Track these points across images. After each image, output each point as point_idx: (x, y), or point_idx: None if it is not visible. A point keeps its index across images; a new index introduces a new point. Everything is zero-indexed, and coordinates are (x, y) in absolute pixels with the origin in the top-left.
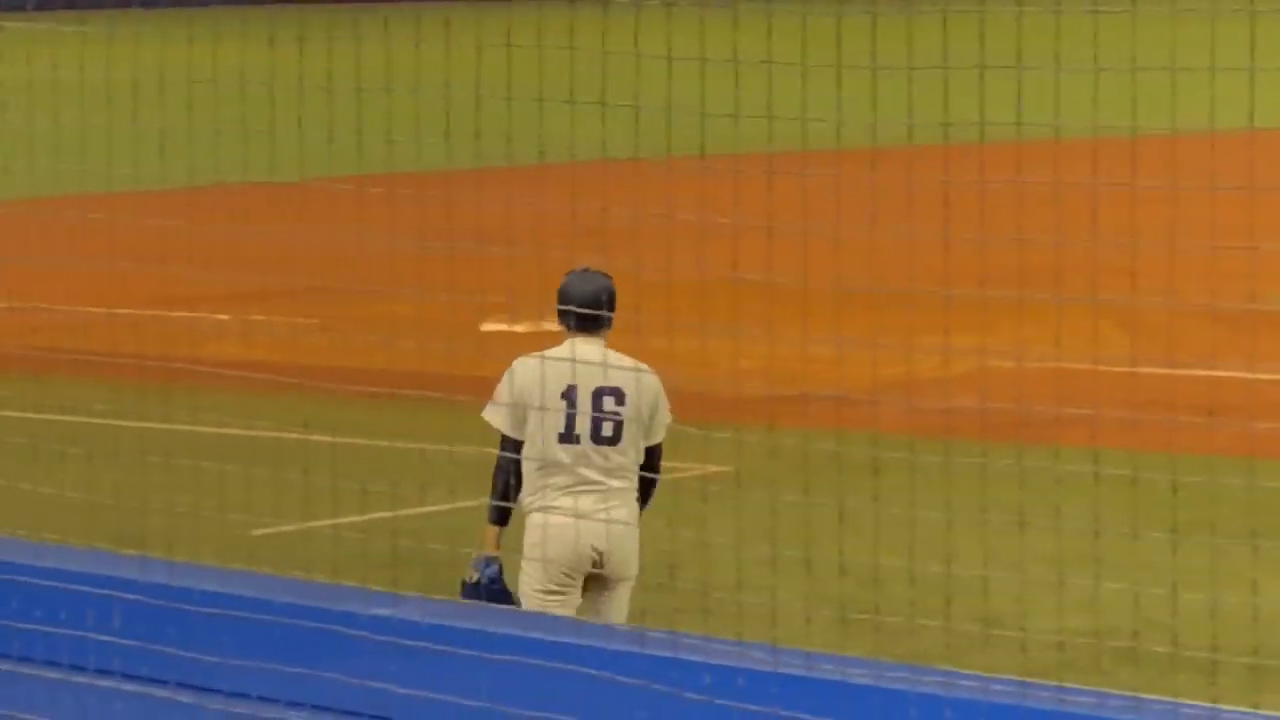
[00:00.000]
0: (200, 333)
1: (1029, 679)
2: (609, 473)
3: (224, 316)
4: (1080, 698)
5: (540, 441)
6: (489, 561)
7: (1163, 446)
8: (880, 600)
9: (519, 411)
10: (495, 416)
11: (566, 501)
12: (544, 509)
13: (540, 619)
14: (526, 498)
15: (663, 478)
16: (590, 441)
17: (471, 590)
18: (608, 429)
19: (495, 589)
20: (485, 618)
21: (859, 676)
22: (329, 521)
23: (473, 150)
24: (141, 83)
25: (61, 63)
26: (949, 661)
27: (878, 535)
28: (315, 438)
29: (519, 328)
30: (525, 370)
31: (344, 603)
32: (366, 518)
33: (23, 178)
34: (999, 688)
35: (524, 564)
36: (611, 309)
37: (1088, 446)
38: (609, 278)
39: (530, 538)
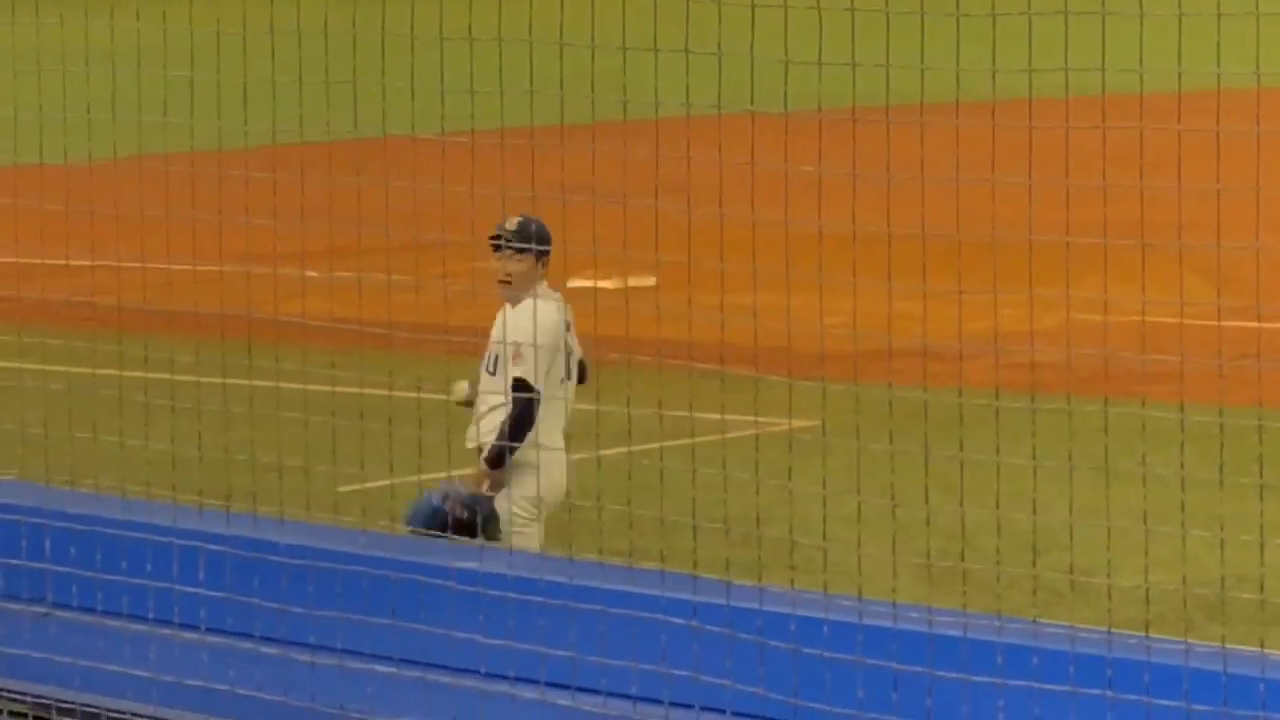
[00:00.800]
0: (285, 288)
1: (1116, 631)
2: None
3: (313, 273)
4: (1167, 648)
5: (553, 384)
6: (484, 501)
7: (1250, 399)
8: (967, 553)
9: (544, 360)
10: (532, 371)
11: (560, 440)
12: (545, 448)
13: (628, 571)
14: (534, 437)
15: (749, 432)
16: (575, 381)
17: (456, 526)
18: (574, 366)
19: (478, 527)
20: (571, 570)
21: (946, 627)
22: (414, 477)
23: (555, 104)
24: (224, 38)
25: (145, 18)
26: (1036, 613)
27: (964, 488)
28: (400, 393)
29: (606, 283)
30: (550, 316)
31: (429, 556)
32: (452, 473)
33: (105, 135)
34: (1086, 637)
35: (523, 499)
36: None
37: (1174, 399)
38: None
39: (531, 475)
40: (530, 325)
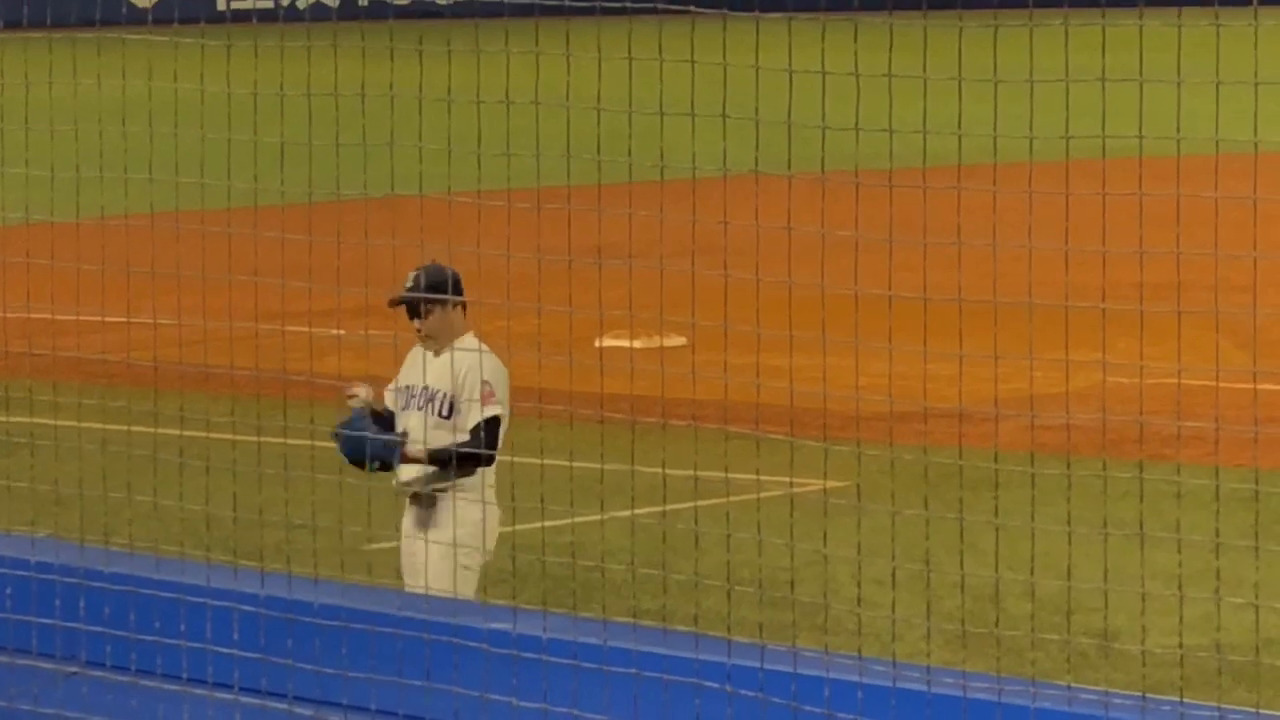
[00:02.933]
0: (318, 347)
1: (1148, 695)
2: None
3: (339, 331)
4: (1200, 713)
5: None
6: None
7: None
8: (1000, 616)
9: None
10: (505, 409)
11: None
12: (489, 503)
13: (661, 634)
14: (487, 491)
15: (779, 493)
16: None
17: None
18: None
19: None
20: (604, 632)
21: (979, 691)
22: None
23: (593, 166)
24: (261, 97)
25: (182, 76)
26: (1069, 677)
27: (998, 551)
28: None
29: (637, 343)
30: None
31: (462, 616)
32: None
33: (142, 192)
34: (1120, 702)
35: (475, 557)
36: None
37: (1208, 463)
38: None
39: (488, 530)
40: (477, 366)
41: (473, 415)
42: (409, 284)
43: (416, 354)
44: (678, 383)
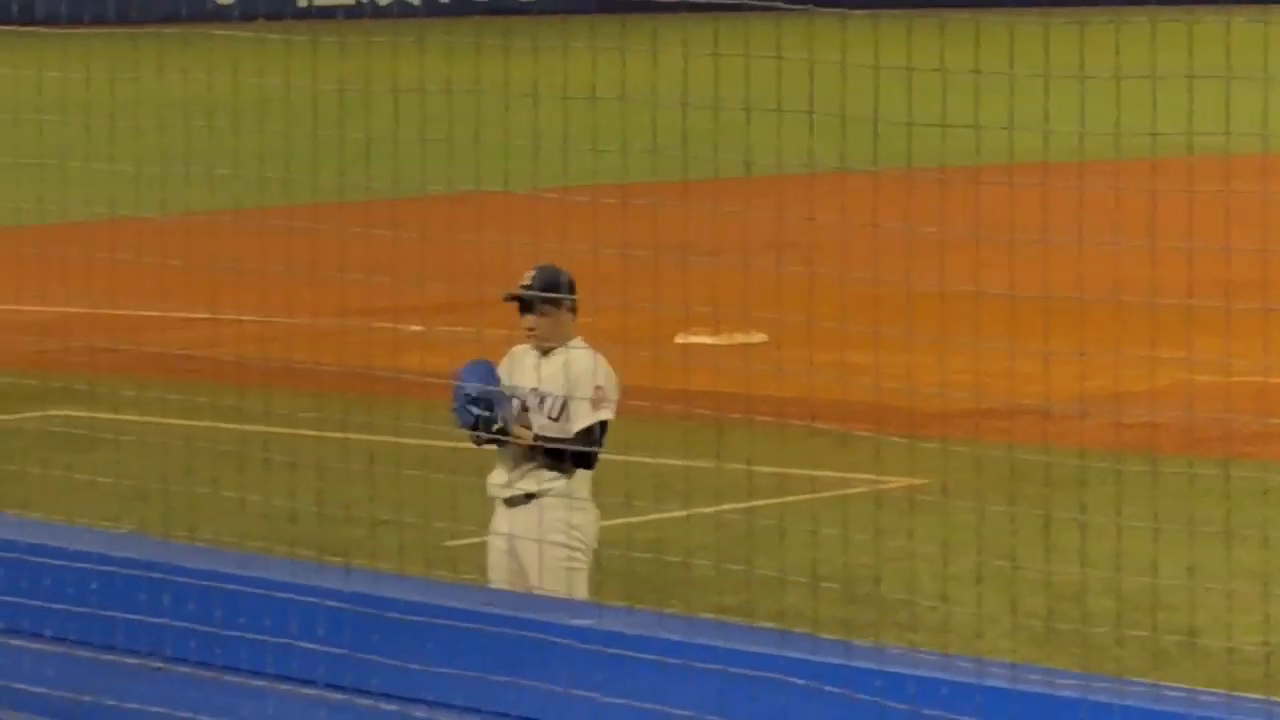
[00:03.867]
0: (402, 343)
1: (1234, 692)
2: None
3: (416, 327)
4: None
5: None
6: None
7: None
8: (1085, 613)
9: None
10: (612, 415)
11: None
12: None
13: (749, 631)
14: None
15: (865, 490)
16: None
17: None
18: None
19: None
20: (689, 628)
21: (1065, 688)
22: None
23: (678, 162)
24: (346, 93)
25: (267, 72)
26: (1154, 674)
27: (1083, 548)
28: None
29: (718, 339)
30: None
31: (547, 613)
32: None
33: (227, 188)
34: (1206, 699)
35: (579, 538)
36: None
37: None
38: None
39: (588, 515)
40: (590, 369)
41: (582, 417)
42: (526, 282)
43: (522, 354)
44: (762, 379)
